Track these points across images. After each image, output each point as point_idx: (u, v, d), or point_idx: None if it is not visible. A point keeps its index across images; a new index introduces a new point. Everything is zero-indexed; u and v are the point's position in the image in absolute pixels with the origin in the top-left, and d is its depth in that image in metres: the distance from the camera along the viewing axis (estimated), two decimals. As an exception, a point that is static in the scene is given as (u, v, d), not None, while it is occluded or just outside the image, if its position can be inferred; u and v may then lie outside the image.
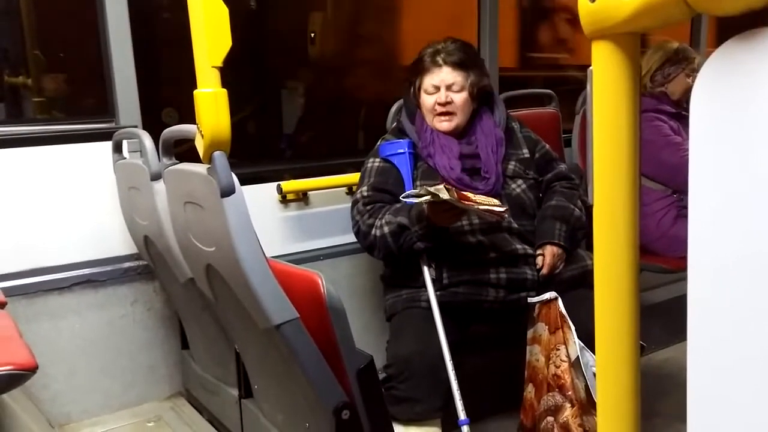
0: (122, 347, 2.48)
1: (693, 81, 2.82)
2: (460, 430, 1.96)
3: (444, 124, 2.23)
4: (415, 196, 1.93)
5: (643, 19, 0.68)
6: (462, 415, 1.95)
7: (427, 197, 1.87)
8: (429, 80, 2.23)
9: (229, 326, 2.00)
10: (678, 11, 0.64)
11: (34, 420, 2.03)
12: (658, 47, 2.94)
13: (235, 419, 2.17)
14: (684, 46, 2.97)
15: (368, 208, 2.19)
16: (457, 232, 2.13)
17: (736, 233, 0.65)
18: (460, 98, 2.22)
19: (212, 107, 1.44)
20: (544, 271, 2.14)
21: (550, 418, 1.95)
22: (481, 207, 1.91)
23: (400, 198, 2.09)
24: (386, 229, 2.11)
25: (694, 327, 0.70)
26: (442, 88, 2.21)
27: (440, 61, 2.21)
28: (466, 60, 2.23)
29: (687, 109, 0.67)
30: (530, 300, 2.06)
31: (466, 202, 1.89)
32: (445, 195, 1.82)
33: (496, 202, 1.98)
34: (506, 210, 1.99)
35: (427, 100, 2.24)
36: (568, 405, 1.90)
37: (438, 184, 1.89)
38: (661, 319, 2.46)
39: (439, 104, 2.21)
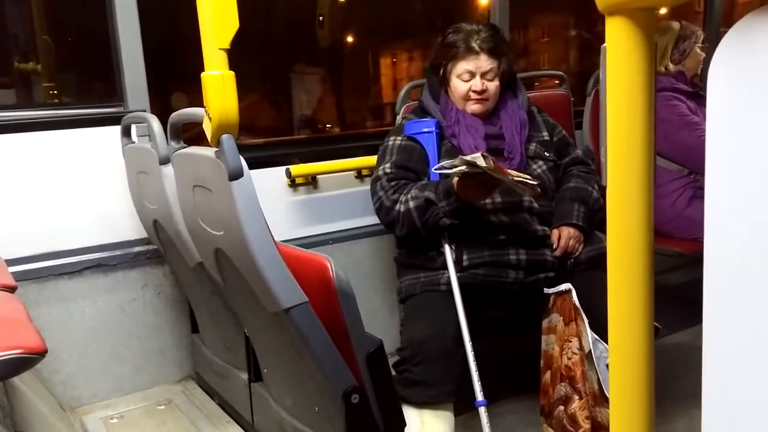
0: (132, 331, 2.50)
1: (704, 51, 2.80)
2: (477, 411, 1.96)
3: (477, 106, 2.22)
4: (449, 167, 1.90)
5: (659, -6, 0.66)
6: (479, 396, 1.95)
7: (462, 167, 1.84)
8: (464, 66, 2.20)
9: (238, 310, 1.99)
10: (695, -16, 0.63)
11: (45, 403, 2.04)
12: (664, 29, 2.92)
13: (244, 403, 2.18)
14: (685, 22, 2.96)
15: (392, 183, 2.17)
16: (480, 211, 2.12)
17: (754, 216, 0.63)
18: (493, 86, 2.22)
19: (220, 90, 1.43)
20: (557, 252, 2.14)
21: (561, 407, 1.96)
22: (516, 179, 1.89)
23: (432, 170, 2.05)
24: (412, 204, 2.09)
25: (710, 312, 0.69)
26: (478, 75, 2.20)
27: (476, 48, 2.18)
28: (499, 46, 2.22)
29: (704, 89, 0.65)
30: (546, 291, 2.05)
31: (501, 172, 1.86)
32: (482, 162, 1.78)
33: (528, 176, 1.96)
34: (538, 184, 1.97)
35: (461, 86, 2.22)
36: (576, 397, 1.90)
37: (474, 153, 1.86)
38: (672, 304, 2.44)
39: (475, 92, 2.20)
